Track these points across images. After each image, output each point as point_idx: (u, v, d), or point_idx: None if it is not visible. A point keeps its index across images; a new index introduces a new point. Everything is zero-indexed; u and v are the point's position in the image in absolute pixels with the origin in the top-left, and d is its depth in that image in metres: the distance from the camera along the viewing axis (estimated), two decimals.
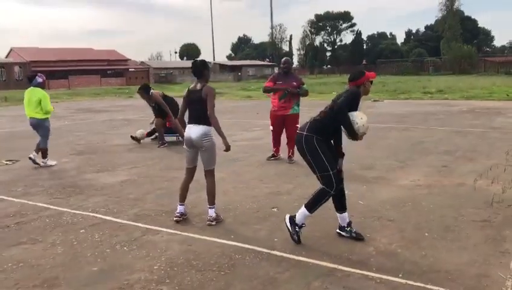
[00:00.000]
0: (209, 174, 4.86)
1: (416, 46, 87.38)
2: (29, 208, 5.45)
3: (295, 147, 4.37)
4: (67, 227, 4.75)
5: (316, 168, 4.14)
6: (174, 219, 4.81)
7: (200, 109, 4.68)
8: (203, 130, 4.66)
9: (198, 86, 4.74)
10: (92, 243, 4.28)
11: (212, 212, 4.78)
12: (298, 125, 7.79)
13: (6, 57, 59.05)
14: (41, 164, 7.87)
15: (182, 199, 4.90)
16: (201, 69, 4.74)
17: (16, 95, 31.70)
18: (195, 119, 4.72)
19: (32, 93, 7.80)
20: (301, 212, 4.19)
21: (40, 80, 7.94)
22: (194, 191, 5.99)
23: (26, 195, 6.03)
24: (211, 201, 4.82)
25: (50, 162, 7.96)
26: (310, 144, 4.12)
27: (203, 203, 5.42)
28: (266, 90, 7.87)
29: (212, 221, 4.72)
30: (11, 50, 58.61)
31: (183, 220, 4.81)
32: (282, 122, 7.82)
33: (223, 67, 73.09)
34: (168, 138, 10.17)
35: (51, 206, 5.48)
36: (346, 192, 5.79)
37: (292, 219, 4.21)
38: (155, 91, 10.03)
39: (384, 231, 4.43)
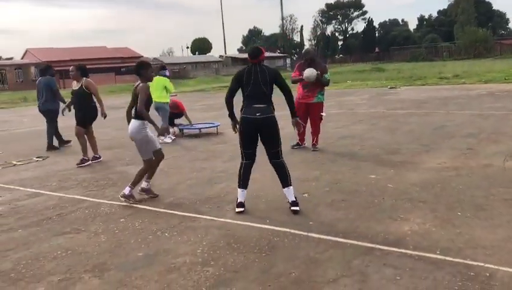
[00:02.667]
0: (143, 162, 5.44)
1: (429, 31, 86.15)
2: (67, 200, 5.64)
3: (267, 125, 4.69)
4: (106, 217, 4.92)
5: (279, 142, 4.79)
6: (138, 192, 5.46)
7: (135, 105, 5.32)
8: (134, 124, 5.25)
9: (136, 84, 5.38)
10: (133, 230, 4.44)
11: (127, 190, 5.34)
12: (323, 114, 7.87)
13: (22, 58, 59.89)
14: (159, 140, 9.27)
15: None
16: (136, 69, 5.33)
17: (35, 95, 32.21)
18: (134, 115, 5.35)
19: (158, 81, 9.44)
20: (291, 191, 4.74)
21: (167, 73, 10.01)
22: (223, 180, 6.16)
23: (61, 189, 6.23)
24: (133, 182, 5.37)
25: (167, 139, 9.61)
26: (277, 124, 4.76)
27: (235, 191, 5.55)
28: (293, 82, 7.82)
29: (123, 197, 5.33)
30: (26, 51, 59.41)
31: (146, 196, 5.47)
32: (306, 110, 7.87)
33: (235, 60, 73.03)
34: (191, 131, 10.43)
35: (88, 198, 5.67)
36: (373, 176, 5.94)
37: (294, 203, 4.70)
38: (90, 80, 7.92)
39: (416, 211, 4.50)
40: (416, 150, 7.32)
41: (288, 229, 4.20)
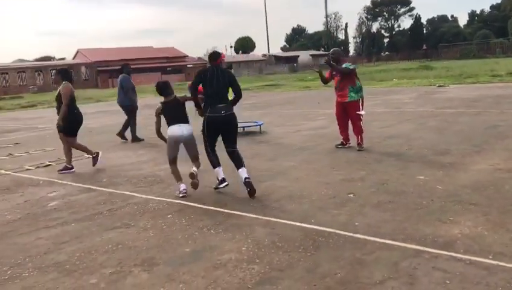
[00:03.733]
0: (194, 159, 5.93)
1: (481, 27, 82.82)
2: (117, 196, 5.85)
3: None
4: (154, 213, 5.06)
5: (236, 134, 5.68)
6: (180, 195, 5.57)
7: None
8: (189, 127, 5.71)
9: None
10: (180, 226, 4.55)
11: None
12: (360, 113, 7.68)
13: (74, 58, 62.45)
14: None
15: (179, 178, 5.83)
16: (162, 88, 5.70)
17: (85, 94, 33.51)
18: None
19: None
20: (244, 170, 5.44)
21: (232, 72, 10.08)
22: (268, 178, 6.20)
23: (112, 185, 6.46)
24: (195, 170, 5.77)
25: None
26: (237, 119, 5.61)
27: (279, 190, 5.60)
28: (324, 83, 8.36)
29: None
30: (77, 52, 61.88)
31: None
32: (343, 109, 7.80)
33: (278, 59, 73.09)
34: None
35: (137, 194, 5.85)
36: (421, 177, 5.80)
37: (247, 178, 5.36)
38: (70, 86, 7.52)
39: (467, 214, 4.35)
40: (466, 150, 7.07)
41: (333, 230, 4.16)
